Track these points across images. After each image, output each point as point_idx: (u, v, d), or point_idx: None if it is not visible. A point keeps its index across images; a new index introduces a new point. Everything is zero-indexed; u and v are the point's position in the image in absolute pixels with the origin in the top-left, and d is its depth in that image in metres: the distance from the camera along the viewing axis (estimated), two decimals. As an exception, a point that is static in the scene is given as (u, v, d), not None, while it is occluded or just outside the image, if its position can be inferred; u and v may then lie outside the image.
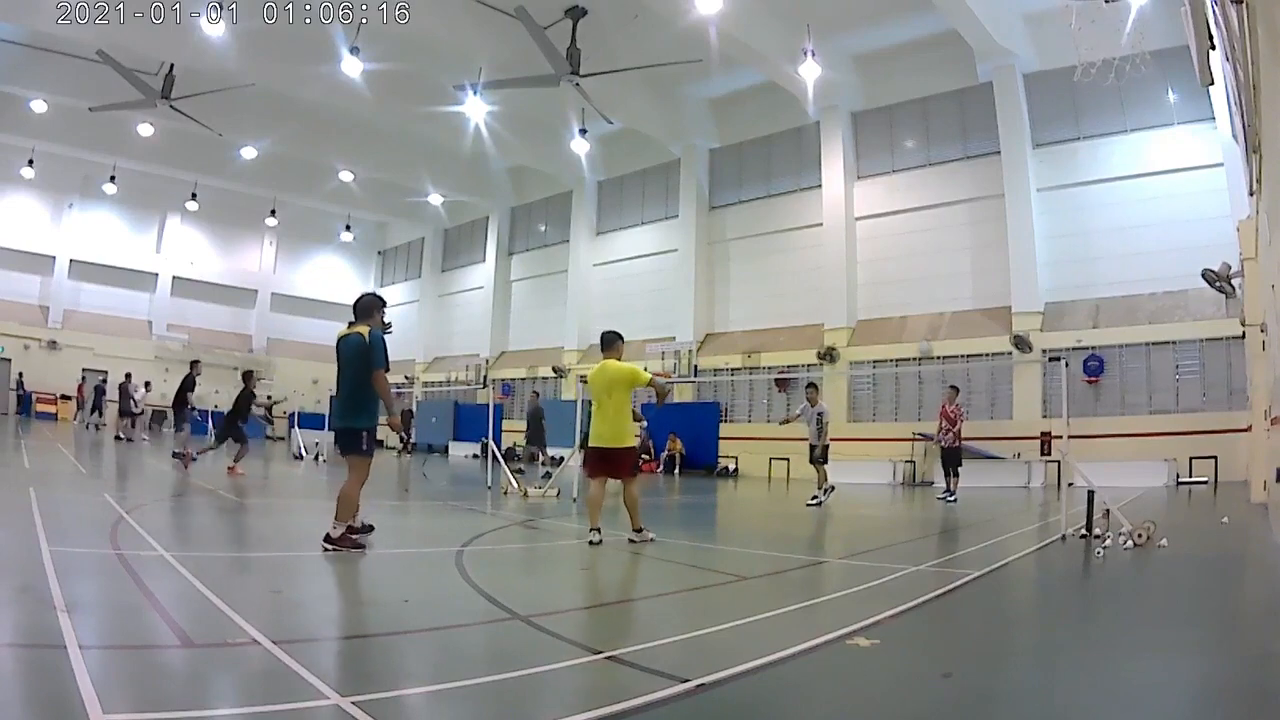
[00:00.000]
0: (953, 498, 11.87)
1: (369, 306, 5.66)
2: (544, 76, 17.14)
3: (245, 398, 12.53)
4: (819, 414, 11.52)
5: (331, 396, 27.64)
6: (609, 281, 26.19)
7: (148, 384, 22.64)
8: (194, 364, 14.77)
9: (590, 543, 6.23)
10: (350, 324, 5.61)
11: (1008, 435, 16.58)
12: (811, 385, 12.33)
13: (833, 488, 11.38)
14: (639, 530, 6.39)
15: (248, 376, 12.78)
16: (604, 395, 6.43)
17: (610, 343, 6.74)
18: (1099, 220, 16.91)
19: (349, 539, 5.20)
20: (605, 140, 24.22)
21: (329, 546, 5.14)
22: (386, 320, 5.76)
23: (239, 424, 12.36)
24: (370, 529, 5.76)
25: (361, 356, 5.41)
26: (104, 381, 23.70)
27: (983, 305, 18.27)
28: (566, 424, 16.02)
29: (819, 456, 11.45)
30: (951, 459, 12.43)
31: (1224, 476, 14.06)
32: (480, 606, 4.12)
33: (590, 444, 6.57)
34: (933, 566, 5.66)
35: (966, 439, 16.98)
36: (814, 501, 11.04)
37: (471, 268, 32.12)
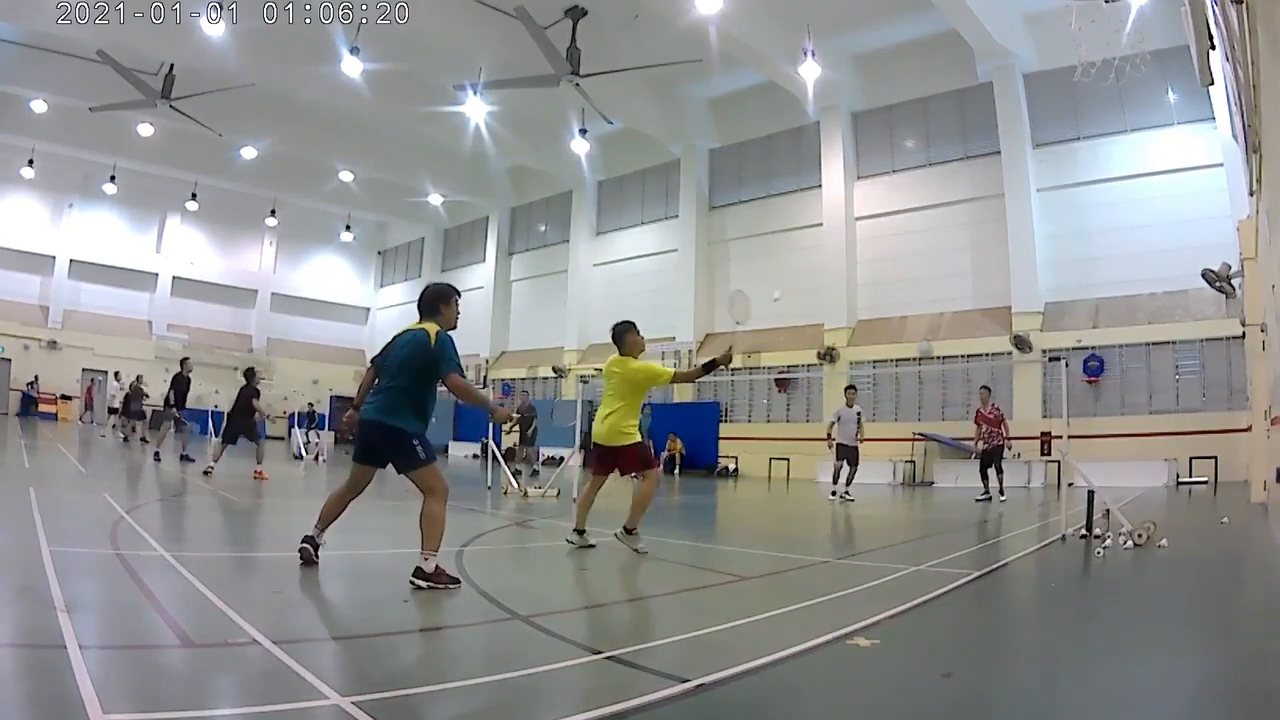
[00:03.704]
0: (1003, 498, 11.87)
1: (433, 299, 4.68)
2: (544, 76, 17.15)
3: (247, 394, 12.03)
4: (858, 414, 12.08)
5: (333, 396, 27.72)
6: (609, 281, 26.19)
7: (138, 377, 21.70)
8: (184, 361, 14.24)
9: (567, 540, 6.09)
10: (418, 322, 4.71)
11: (973, 440, 16.63)
12: (851, 387, 12.73)
13: (848, 494, 11.68)
14: (630, 531, 5.85)
15: (250, 374, 12.28)
16: (621, 391, 6.00)
17: (619, 337, 6.21)
18: (1099, 220, 16.92)
19: (444, 574, 4.24)
20: (605, 140, 24.23)
21: (421, 583, 4.16)
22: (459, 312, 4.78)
23: (250, 422, 11.85)
24: (457, 582, 4.44)
25: (423, 358, 4.43)
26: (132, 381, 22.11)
27: (983, 305, 18.27)
28: (567, 424, 16.03)
29: (851, 455, 11.91)
30: (996, 458, 12.16)
31: (1224, 476, 14.06)
32: (480, 606, 4.12)
33: (593, 439, 6.16)
34: (933, 566, 5.65)
35: (964, 439, 17.09)
36: (849, 498, 11.56)
37: (471, 268, 32.12)
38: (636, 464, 6.00)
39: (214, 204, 30.64)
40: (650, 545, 6.01)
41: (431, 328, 4.54)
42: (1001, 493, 11.92)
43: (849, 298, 20.02)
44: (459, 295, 4.83)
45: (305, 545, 4.67)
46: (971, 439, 12.65)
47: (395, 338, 4.73)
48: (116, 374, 20.93)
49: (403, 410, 4.45)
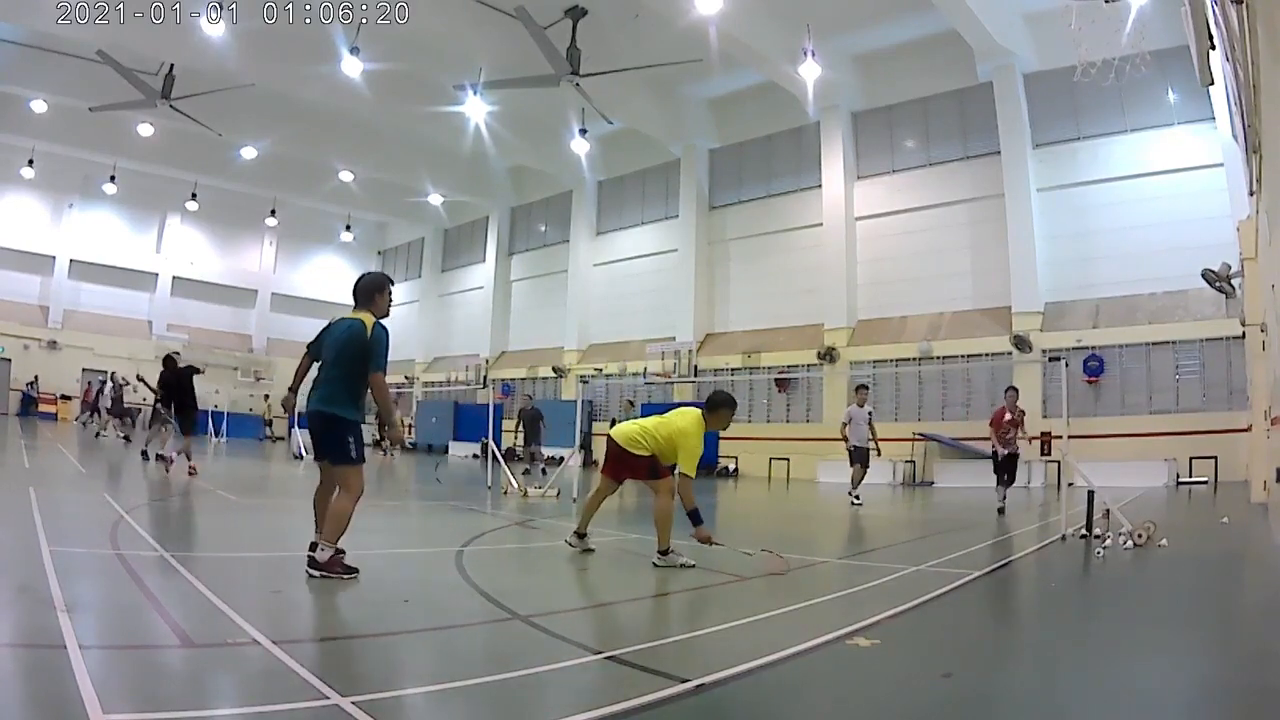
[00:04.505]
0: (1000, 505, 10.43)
1: (370, 289, 4.75)
2: (544, 76, 17.15)
3: (180, 378, 11.49)
4: (869, 414, 11.74)
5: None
6: (609, 281, 26.19)
7: (112, 373, 21.32)
8: (175, 357, 13.56)
9: (566, 542, 5.93)
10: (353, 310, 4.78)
11: (993, 439, 16.58)
12: (863, 387, 12.38)
13: (857, 497, 11.46)
14: (664, 552, 5.45)
15: (170, 361, 11.71)
16: (664, 425, 5.72)
17: (715, 406, 5.80)
18: (1099, 220, 16.92)
19: (339, 563, 4.39)
20: (605, 140, 24.23)
21: (316, 572, 4.34)
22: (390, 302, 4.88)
23: (190, 411, 11.42)
24: (354, 572, 4.51)
25: (358, 347, 4.57)
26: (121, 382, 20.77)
27: (983, 305, 18.27)
28: (566, 424, 16.04)
29: (864, 457, 11.60)
30: (1013, 465, 10.73)
31: (1224, 476, 14.06)
32: (480, 606, 4.12)
33: (609, 434, 5.93)
34: (933, 566, 5.66)
35: (964, 438, 17.07)
36: (858, 501, 11.26)
37: (471, 268, 32.13)
38: (643, 474, 5.75)
39: (214, 204, 30.64)
40: (646, 545, 5.79)
41: (367, 318, 4.66)
42: (1003, 498, 10.52)
43: (849, 298, 20.01)
44: (392, 284, 4.99)
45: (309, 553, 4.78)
46: (988, 439, 11.10)
47: (330, 325, 4.83)
48: (111, 374, 20.84)
49: (342, 400, 4.61)
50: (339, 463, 4.61)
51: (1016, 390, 11.09)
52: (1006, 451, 10.59)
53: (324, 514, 4.79)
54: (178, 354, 11.86)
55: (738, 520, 11.04)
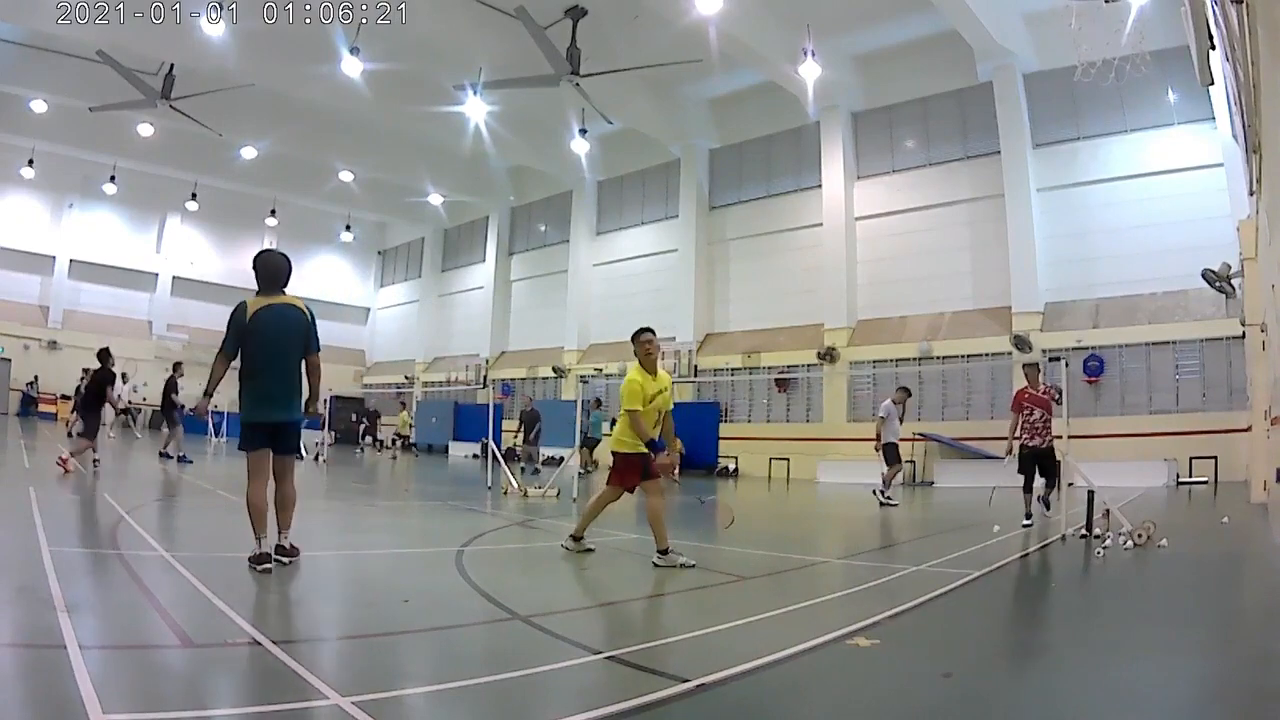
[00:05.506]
0: (1048, 512, 8.90)
1: (287, 268, 4.72)
2: (544, 76, 17.15)
3: (100, 380, 11.12)
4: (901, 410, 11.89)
5: (332, 396, 27.66)
6: (609, 281, 26.17)
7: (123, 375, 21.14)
8: (176, 365, 14.58)
9: (562, 545, 5.95)
10: (259, 292, 4.67)
11: (1008, 435, 16.57)
12: (906, 390, 12.28)
13: (891, 498, 11.46)
14: (663, 552, 5.47)
15: (104, 355, 11.34)
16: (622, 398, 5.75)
17: (632, 342, 5.82)
18: (1099, 220, 16.91)
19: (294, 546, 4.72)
20: (605, 140, 24.22)
21: (287, 560, 4.57)
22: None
23: (94, 412, 10.87)
24: (297, 551, 4.79)
25: (304, 335, 4.56)
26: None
27: (983, 305, 18.26)
28: (566, 424, 16.05)
29: (896, 455, 11.67)
30: (1048, 461, 8.87)
31: (1224, 476, 14.06)
32: (480, 606, 4.13)
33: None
34: (933, 566, 5.66)
35: (964, 438, 17.07)
36: (893, 501, 11.26)
37: (471, 268, 32.12)
38: (628, 476, 5.66)
39: (214, 204, 30.63)
40: (646, 544, 5.68)
41: (299, 302, 4.68)
42: (1048, 506, 8.99)
43: (849, 298, 20.00)
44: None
45: (267, 565, 4.52)
46: (994, 438, 10.05)
47: (266, 316, 4.53)
48: (124, 375, 20.82)
49: (300, 401, 4.72)
50: (291, 454, 4.81)
51: (1038, 365, 9.22)
52: (1035, 444, 8.75)
53: (263, 515, 4.63)
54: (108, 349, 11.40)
55: (738, 520, 11.02)
